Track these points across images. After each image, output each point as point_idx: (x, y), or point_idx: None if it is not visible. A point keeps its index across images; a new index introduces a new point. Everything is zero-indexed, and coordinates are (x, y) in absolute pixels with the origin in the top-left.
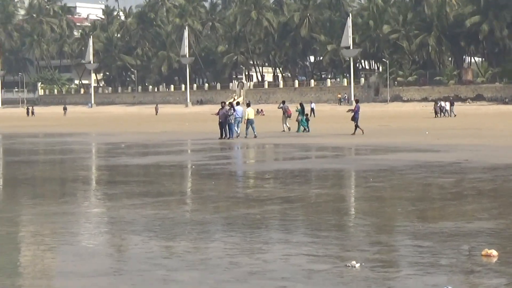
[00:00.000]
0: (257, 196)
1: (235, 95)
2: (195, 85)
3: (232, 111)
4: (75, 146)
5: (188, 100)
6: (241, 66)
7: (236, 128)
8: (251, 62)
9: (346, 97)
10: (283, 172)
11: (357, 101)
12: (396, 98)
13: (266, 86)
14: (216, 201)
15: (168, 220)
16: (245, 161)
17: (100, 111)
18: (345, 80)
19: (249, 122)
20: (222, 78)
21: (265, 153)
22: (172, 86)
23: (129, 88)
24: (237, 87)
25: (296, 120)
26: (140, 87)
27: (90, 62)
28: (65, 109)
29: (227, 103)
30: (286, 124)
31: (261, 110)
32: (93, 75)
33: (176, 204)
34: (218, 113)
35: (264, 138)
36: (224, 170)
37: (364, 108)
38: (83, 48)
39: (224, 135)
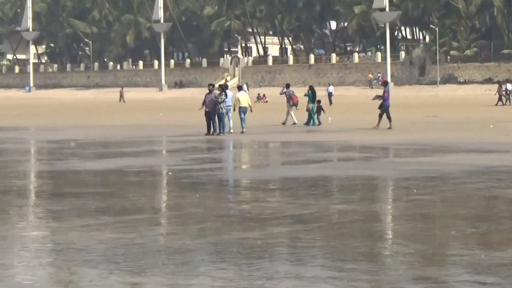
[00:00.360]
0: (258, 214)
1: (227, 75)
2: (172, 62)
3: (223, 97)
4: (6, 146)
5: (163, 81)
6: (236, 35)
7: (228, 121)
8: (250, 30)
9: (380, 78)
10: (293, 180)
11: (385, 84)
12: (449, 79)
13: (270, 62)
14: (201, 221)
15: (135, 247)
16: (241, 166)
17: (41, 97)
18: (379, 54)
19: (241, 111)
20: (209, 52)
21: (269, 154)
22: (141, 63)
23: (82, 65)
24: (231, 64)
25: (307, 110)
26: (96, 64)
27: (28, 30)
28: None
29: (216, 86)
30: (292, 115)
31: (263, 95)
32: (32, 48)
33: (147, 225)
34: (204, 101)
35: (267, 134)
36: (212, 178)
37: (405, 92)
38: (18, 11)
39: (212, 130)
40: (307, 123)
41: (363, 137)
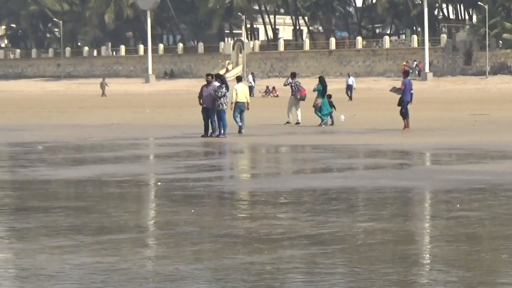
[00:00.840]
0: (267, 233)
1: (228, 63)
2: (161, 46)
3: (224, 90)
4: None
5: (150, 71)
6: (239, 14)
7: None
8: (256, 8)
9: (417, 66)
10: (309, 193)
11: (406, 74)
12: (501, 68)
13: (281, 47)
14: (197, 241)
15: (117, 274)
16: (246, 175)
17: (0, 89)
18: (415, 38)
19: (238, 107)
20: (207, 35)
21: (279, 161)
22: (122, 48)
23: (51, 50)
24: (233, 49)
25: (314, 105)
26: (68, 50)
27: None
28: None
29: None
30: (297, 110)
31: (273, 88)
32: None
33: (131, 247)
34: (200, 95)
35: (276, 136)
36: (210, 189)
37: (446, 85)
38: None
39: (211, 131)
40: (322, 123)
41: (394, 139)
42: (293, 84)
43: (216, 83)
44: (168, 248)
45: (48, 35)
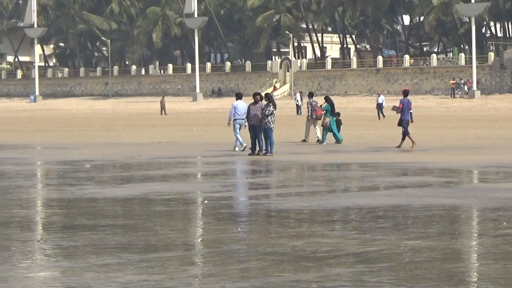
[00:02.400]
0: (313, 251)
1: (276, 82)
2: (208, 65)
3: (271, 108)
4: (7, 168)
5: (198, 89)
6: (287, 32)
7: (239, 136)
8: (304, 26)
9: (464, 84)
10: (357, 211)
11: (405, 93)
12: None
13: (328, 66)
14: (244, 259)
15: None
16: (292, 192)
17: (49, 108)
18: (462, 56)
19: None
20: (254, 53)
21: (326, 178)
22: (170, 67)
23: (98, 69)
24: (280, 67)
25: (322, 124)
26: (116, 68)
27: (32, 26)
28: None
29: (262, 94)
30: (315, 128)
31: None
32: (37, 48)
33: (177, 265)
34: (248, 113)
35: (322, 154)
36: (257, 207)
37: (494, 102)
38: (20, 2)
39: (258, 149)
40: (322, 140)
41: (441, 157)
42: (309, 104)
43: (264, 102)
44: (214, 266)
45: (96, 54)
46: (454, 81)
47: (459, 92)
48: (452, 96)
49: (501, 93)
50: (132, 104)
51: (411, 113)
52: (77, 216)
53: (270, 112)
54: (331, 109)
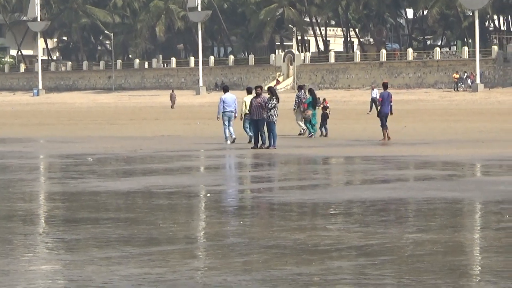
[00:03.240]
0: (315, 244)
1: (279, 75)
2: (212, 59)
3: (274, 101)
4: (10, 161)
5: (201, 83)
6: (290, 26)
7: (229, 129)
8: (307, 20)
9: (468, 78)
10: (359, 204)
11: (385, 86)
12: None
13: (332, 59)
14: (246, 253)
15: (165, 285)
16: (293, 186)
17: (52, 101)
18: (466, 49)
19: (248, 119)
20: (257, 47)
21: (329, 171)
22: (173, 60)
23: (102, 63)
24: (284, 61)
25: (304, 117)
26: (119, 62)
27: (35, 20)
28: None
29: (265, 88)
30: (300, 123)
31: (324, 100)
32: (41, 42)
33: (179, 258)
34: (250, 106)
35: (324, 147)
36: (259, 200)
37: (497, 96)
38: None
39: (260, 143)
40: (310, 133)
41: (444, 151)
42: (297, 97)
43: (266, 96)
44: (216, 259)
45: (99, 48)
46: (457, 75)
47: (463, 85)
48: (456, 89)
49: (504, 86)
50: (135, 98)
51: (391, 106)
52: (79, 210)
53: (273, 106)
54: (313, 102)
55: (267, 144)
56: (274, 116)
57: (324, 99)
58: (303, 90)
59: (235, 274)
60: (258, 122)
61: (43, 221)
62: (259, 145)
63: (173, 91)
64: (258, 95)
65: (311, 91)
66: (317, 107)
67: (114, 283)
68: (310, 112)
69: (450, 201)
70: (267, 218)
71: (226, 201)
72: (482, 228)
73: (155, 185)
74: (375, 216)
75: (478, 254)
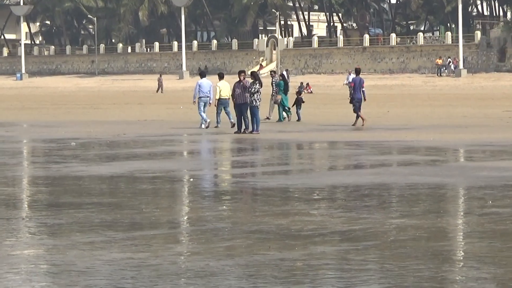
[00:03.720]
0: (298, 229)
1: (262, 60)
2: (195, 43)
3: (257, 86)
4: None
5: (184, 67)
6: (274, 10)
7: (203, 114)
8: (290, 4)
9: (450, 63)
10: (342, 189)
11: (357, 72)
12: None
13: (315, 44)
14: (229, 237)
15: (148, 270)
16: (277, 171)
17: (35, 86)
18: (449, 34)
19: (221, 104)
20: (241, 31)
21: (312, 157)
22: (156, 45)
23: (85, 47)
24: (267, 46)
25: (274, 102)
26: (102, 46)
27: (18, 4)
28: None
29: (248, 73)
30: (271, 108)
31: (307, 84)
32: (23, 26)
33: (162, 243)
34: (233, 91)
35: (308, 132)
36: (242, 185)
37: (480, 81)
38: None
39: (244, 127)
40: (279, 119)
41: (427, 136)
42: (274, 82)
43: (249, 80)
44: (199, 244)
45: (82, 32)
46: (440, 60)
47: (446, 70)
48: (439, 74)
49: (488, 71)
50: (118, 82)
51: (363, 91)
52: (62, 194)
53: (256, 90)
54: (284, 87)
55: (250, 129)
56: (257, 101)
57: (308, 84)
58: (277, 76)
59: (218, 259)
60: (241, 106)
61: (26, 206)
62: (242, 130)
63: (160, 76)
64: (240, 80)
65: (282, 76)
66: (288, 92)
67: (97, 268)
68: (280, 96)
69: (433, 187)
70: (250, 203)
71: (209, 186)
72: (465, 213)
73: (138, 169)
74: (358, 201)
75: (461, 240)
